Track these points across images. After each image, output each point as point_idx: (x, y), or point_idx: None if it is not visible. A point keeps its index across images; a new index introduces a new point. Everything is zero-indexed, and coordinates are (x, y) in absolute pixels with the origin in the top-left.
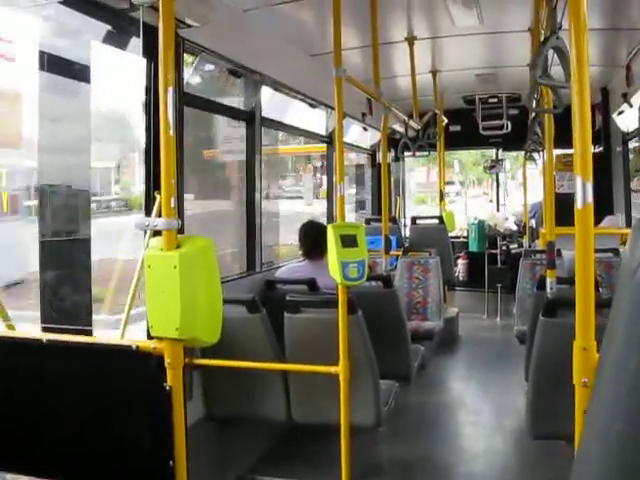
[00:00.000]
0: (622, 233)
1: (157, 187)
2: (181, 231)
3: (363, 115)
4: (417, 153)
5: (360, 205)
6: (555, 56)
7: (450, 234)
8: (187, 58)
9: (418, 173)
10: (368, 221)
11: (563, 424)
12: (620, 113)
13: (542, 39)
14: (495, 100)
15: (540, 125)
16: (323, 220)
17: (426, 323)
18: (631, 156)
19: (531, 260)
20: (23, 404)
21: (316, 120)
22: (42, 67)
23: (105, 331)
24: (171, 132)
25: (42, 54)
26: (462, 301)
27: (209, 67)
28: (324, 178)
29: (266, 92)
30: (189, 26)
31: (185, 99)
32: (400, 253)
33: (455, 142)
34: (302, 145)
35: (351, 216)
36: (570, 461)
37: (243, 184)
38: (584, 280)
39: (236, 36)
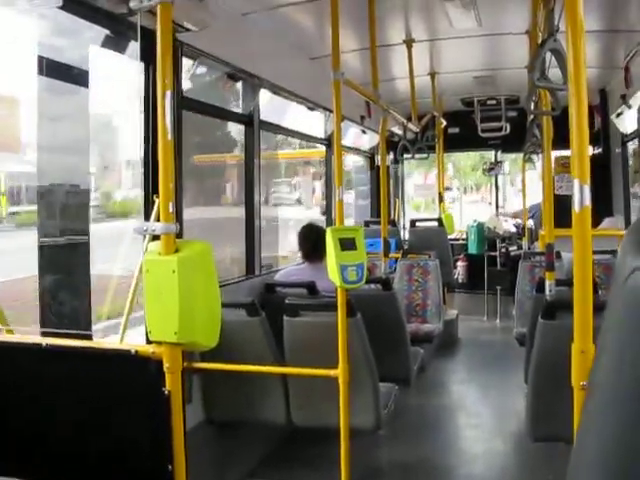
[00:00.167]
0: (621, 235)
1: (156, 191)
2: (180, 236)
3: (362, 118)
4: (416, 155)
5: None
6: (553, 58)
7: (449, 237)
8: (186, 62)
9: (417, 175)
10: (367, 224)
11: (562, 426)
12: (619, 115)
13: (540, 41)
14: (494, 102)
15: (539, 127)
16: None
17: (426, 326)
18: (631, 161)
19: (530, 262)
20: (22, 408)
21: (315, 123)
22: (41, 71)
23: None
24: (169, 136)
25: (41, 59)
26: (462, 303)
27: (208, 71)
28: (316, 184)
29: (265, 96)
30: (187, 30)
31: (183, 103)
32: (399, 256)
33: (454, 144)
34: (297, 150)
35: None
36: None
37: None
38: (582, 282)
39: (235, 40)
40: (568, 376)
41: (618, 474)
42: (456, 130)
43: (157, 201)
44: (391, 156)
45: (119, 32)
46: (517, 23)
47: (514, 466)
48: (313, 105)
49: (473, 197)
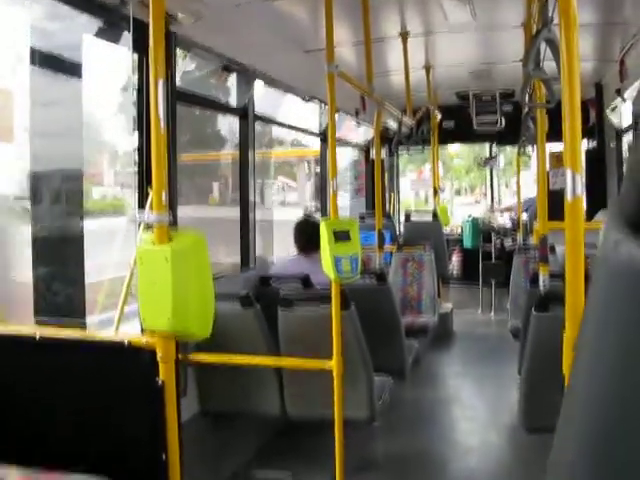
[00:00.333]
0: None
1: (150, 182)
2: (175, 225)
3: (357, 111)
4: (411, 148)
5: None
6: (548, 51)
7: (445, 232)
8: (179, 53)
9: (409, 173)
10: (362, 217)
11: (555, 417)
12: (613, 109)
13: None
14: (489, 96)
15: (533, 120)
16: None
17: (420, 318)
18: (625, 155)
19: (525, 256)
20: (14, 399)
21: (310, 117)
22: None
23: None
24: (162, 125)
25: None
26: (456, 296)
27: (202, 63)
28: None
29: (259, 91)
30: (181, 22)
31: (177, 95)
32: (394, 249)
33: (449, 138)
34: (288, 149)
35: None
36: None
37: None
38: (574, 273)
39: (228, 31)
40: (561, 367)
41: (605, 426)
42: (451, 124)
43: (151, 191)
44: (386, 149)
45: (112, 22)
46: (512, 16)
47: (509, 458)
48: (308, 98)
49: (468, 199)
